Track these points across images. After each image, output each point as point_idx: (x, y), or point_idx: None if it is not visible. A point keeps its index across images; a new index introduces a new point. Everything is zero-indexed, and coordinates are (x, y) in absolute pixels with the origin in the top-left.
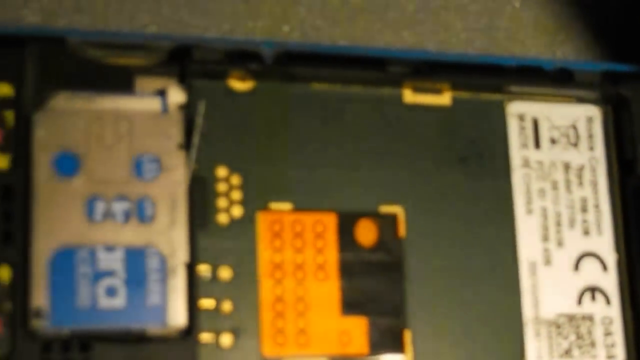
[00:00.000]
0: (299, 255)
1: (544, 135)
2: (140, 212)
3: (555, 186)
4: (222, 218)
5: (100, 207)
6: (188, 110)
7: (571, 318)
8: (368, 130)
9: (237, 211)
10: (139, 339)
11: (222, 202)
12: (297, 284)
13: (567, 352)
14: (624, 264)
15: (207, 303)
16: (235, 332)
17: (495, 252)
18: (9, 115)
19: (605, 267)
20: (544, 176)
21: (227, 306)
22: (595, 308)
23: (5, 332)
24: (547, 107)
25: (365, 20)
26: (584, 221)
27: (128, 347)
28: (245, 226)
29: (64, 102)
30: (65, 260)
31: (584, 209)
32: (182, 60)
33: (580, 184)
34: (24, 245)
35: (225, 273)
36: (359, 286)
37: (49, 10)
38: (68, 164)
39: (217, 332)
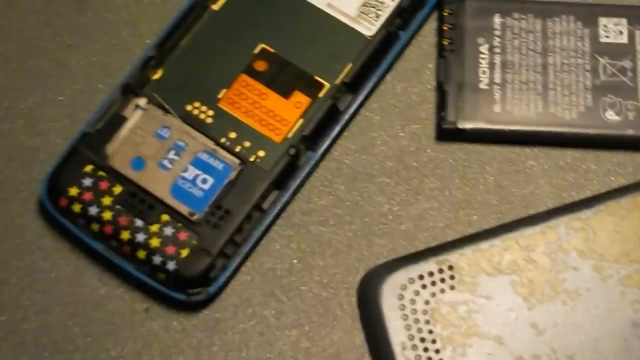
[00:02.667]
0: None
1: None
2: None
3: None
4: (208, 120)
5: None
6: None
7: None
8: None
9: (210, 115)
10: None
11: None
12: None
13: None
14: None
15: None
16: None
17: None
18: None
19: None
20: None
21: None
22: None
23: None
24: None
25: None
26: None
27: None
28: (222, 114)
29: None
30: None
31: None
32: (131, 92)
33: None
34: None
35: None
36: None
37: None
38: (139, 162)
39: None
